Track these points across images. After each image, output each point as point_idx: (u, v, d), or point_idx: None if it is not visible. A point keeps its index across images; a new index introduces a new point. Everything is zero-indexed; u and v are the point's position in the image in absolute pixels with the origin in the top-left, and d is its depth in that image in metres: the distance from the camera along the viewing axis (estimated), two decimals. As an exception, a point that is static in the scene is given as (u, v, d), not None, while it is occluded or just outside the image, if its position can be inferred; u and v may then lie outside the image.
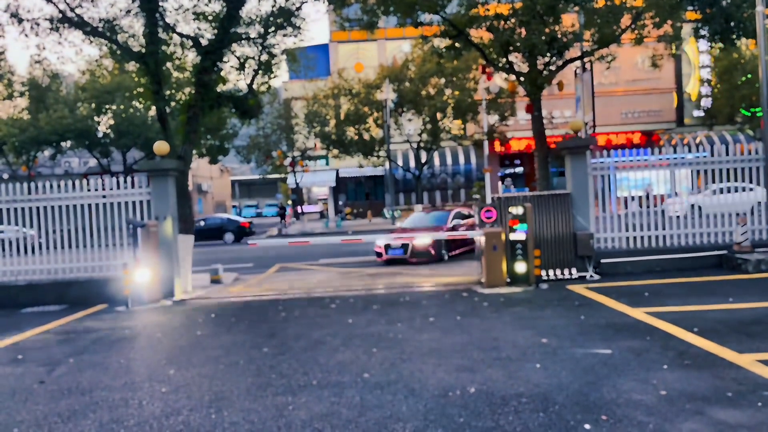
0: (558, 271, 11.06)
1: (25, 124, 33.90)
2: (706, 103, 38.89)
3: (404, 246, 15.20)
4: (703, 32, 15.53)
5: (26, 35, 13.18)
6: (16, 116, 35.67)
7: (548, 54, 16.25)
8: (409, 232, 16.01)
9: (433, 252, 15.19)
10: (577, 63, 19.17)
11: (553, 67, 16.97)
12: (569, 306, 8.68)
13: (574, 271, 11.05)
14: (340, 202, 46.10)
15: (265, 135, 41.76)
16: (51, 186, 12.01)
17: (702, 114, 39.14)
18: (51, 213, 11.86)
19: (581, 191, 11.27)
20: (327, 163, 45.99)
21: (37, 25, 13.12)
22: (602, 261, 11.33)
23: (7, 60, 21.94)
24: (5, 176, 36.88)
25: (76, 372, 6.53)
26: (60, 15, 13.20)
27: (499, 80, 26.73)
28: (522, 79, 17.15)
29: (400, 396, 5.11)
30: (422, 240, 14.86)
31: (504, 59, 17.13)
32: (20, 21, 13.00)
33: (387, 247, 15.44)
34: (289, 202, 49.58)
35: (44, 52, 13.94)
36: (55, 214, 11.80)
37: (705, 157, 11.90)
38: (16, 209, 11.75)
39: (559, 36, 15.88)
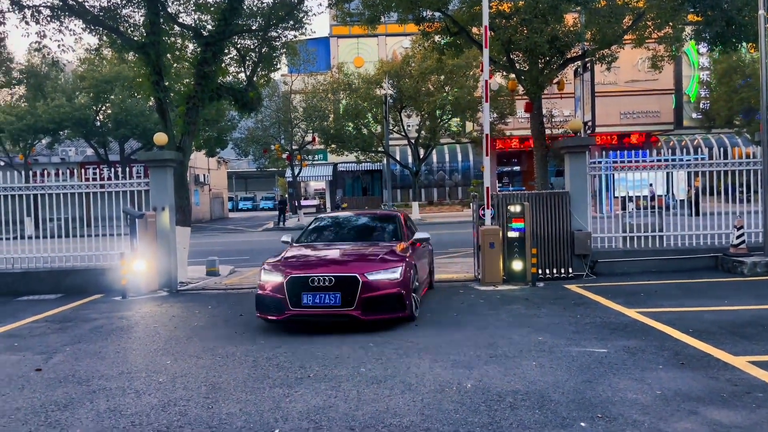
0: (555, 270, 11.10)
1: (23, 111, 33.69)
2: (704, 105, 38.96)
3: (340, 285, 7.20)
4: (703, 35, 15.55)
5: (27, 22, 13.11)
6: (14, 104, 35.48)
7: (549, 53, 16.25)
8: (333, 251, 8.24)
9: (403, 297, 7.46)
10: (578, 62, 19.20)
11: (553, 66, 16.97)
12: (566, 305, 8.71)
13: (570, 270, 11.08)
14: (337, 197, 46.09)
15: (264, 128, 41.66)
16: (48, 174, 11.97)
17: (700, 116, 39.21)
18: (48, 201, 11.83)
19: (579, 191, 11.29)
20: (325, 158, 45.93)
21: (38, 12, 13.05)
22: (599, 261, 11.37)
23: (6, 47, 21.79)
24: (1, 164, 36.71)
25: (72, 360, 6.54)
26: (61, 2, 13.13)
27: (499, 78, 26.70)
28: (522, 77, 17.15)
29: (397, 390, 5.13)
30: (383, 273, 7.39)
31: (504, 57, 17.13)
32: (21, 8, 12.92)
33: (298, 285, 7.26)
34: (286, 195, 49.55)
35: (44, 39, 13.86)
36: (52, 203, 11.77)
37: (703, 159, 11.94)
38: (13, 197, 11.70)
39: (561, 35, 15.88)
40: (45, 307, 10.01)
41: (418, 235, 9.14)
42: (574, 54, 17.65)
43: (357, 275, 7.25)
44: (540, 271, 10.87)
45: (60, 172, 11.90)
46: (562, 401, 4.77)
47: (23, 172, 32.00)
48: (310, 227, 9.60)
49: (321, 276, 7.28)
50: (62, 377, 5.90)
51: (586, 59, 18.41)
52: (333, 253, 8.20)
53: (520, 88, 18.67)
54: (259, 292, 7.70)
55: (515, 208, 10.62)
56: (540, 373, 5.49)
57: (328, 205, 47.64)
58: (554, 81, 18.08)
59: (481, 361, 5.94)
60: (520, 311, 8.39)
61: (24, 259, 11.78)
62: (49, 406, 5.05)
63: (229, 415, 4.68)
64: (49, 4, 13.20)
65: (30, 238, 12.24)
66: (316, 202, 54.44)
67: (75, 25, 13.74)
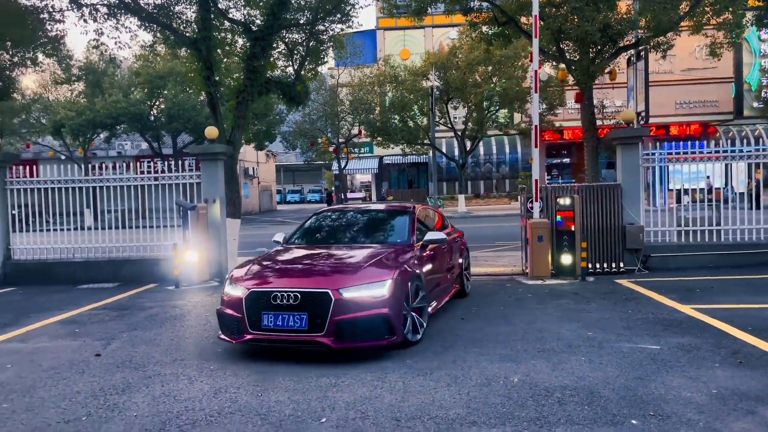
0: (605, 265, 10.85)
1: (82, 107, 35.06)
2: (766, 94, 37.26)
3: (307, 303, 5.76)
4: (765, 20, 14.84)
5: (85, 20, 13.59)
6: (74, 100, 36.92)
7: (601, 42, 15.81)
8: (315, 257, 6.82)
9: (390, 319, 5.89)
10: (631, 51, 18.63)
11: (605, 56, 16.52)
12: (616, 300, 8.51)
13: (622, 264, 10.82)
14: (383, 190, 46.21)
15: (311, 121, 42.10)
16: (106, 168, 12.41)
17: (761, 105, 37.51)
18: (106, 194, 12.27)
19: (632, 183, 10.99)
20: (371, 151, 46.09)
21: (96, 10, 13.50)
22: (652, 255, 11.05)
23: (66, 45, 22.70)
24: (63, 157, 38.25)
25: (129, 347, 6.78)
26: (117, 1, 13.56)
27: (548, 68, 26.18)
28: (573, 67, 16.76)
29: (442, 383, 5.13)
30: (365, 288, 5.88)
31: (554, 47, 16.77)
32: (79, 6, 13.39)
33: (258, 302, 5.89)
34: (333, 188, 49.99)
35: (102, 37, 14.34)
36: (110, 195, 12.20)
37: (764, 150, 11.42)
38: (74, 189, 12.18)
39: (613, 23, 15.41)
40: (103, 295, 10.42)
41: (430, 236, 7.25)
42: (627, 42, 17.12)
43: (329, 291, 5.71)
44: (590, 266, 10.65)
45: (117, 165, 12.33)
46: (612, 398, 4.67)
47: (83, 166, 33.32)
48: (306, 224, 8.11)
49: (284, 291, 5.79)
50: (120, 362, 6.13)
51: (640, 47, 17.83)
52: (315, 258, 6.73)
53: (570, 79, 18.25)
54: (219, 307, 6.32)
55: (565, 201, 10.43)
56: (589, 369, 5.38)
57: (373, 197, 47.82)
58: (606, 71, 17.59)
59: (528, 356, 5.87)
60: (568, 306, 8.24)
61: (84, 249, 12.26)
62: (108, 390, 5.26)
63: (277, 403, 4.78)
64: (106, 2, 13.65)
65: (89, 229, 12.75)
66: (362, 194, 54.77)
67: (131, 22, 14.17)
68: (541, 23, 15.29)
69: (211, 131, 11.92)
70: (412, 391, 4.95)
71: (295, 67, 16.08)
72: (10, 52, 18.30)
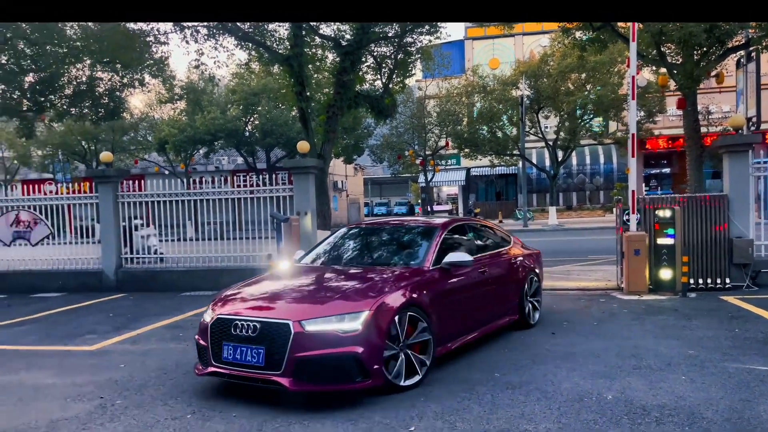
0: (709, 280, 10.22)
1: (184, 125, 37.29)
2: None
3: (265, 335, 5.07)
4: None
5: (187, 42, 14.55)
6: (176, 118, 39.37)
7: (707, 43, 14.94)
8: (307, 281, 6.18)
9: (363, 359, 4.98)
10: (741, 52, 17.53)
11: (711, 58, 15.61)
12: (721, 317, 8.00)
13: (728, 280, 10.14)
14: (470, 202, 45.83)
15: (398, 134, 42.54)
16: (205, 182, 13.13)
17: None
18: (206, 206, 12.98)
19: (740, 194, 10.29)
20: (458, 162, 45.90)
21: (197, 32, 14.41)
22: (762, 271, 10.29)
23: (169, 65, 24.46)
24: (166, 173, 40.78)
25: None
26: (216, 22, 14.41)
27: (647, 73, 25.08)
28: (675, 71, 15.95)
29: (532, 397, 5.03)
30: (332, 321, 5.05)
31: (654, 50, 16.05)
32: (182, 29, 14.34)
33: (222, 331, 5.30)
34: (419, 200, 50.13)
35: (202, 57, 15.30)
36: (209, 208, 12.88)
37: None
38: (177, 202, 12.97)
39: (721, 23, 14.51)
40: (204, 302, 10.97)
41: (451, 258, 6.18)
42: (737, 43, 16.10)
43: (289, 322, 4.97)
44: (691, 281, 10.07)
45: (215, 179, 12.99)
46: (715, 419, 4.40)
47: (184, 180, 35.38)
48: (324, 241, 7.52)
49: (244, 320, 5.15)
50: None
51: (751, 48, 16.70)
52: (305, 282, 6.06)
53: (672, 83, 17.40)
54: (197, 334, 5.72)
55: (664, 213, 9.94)
56: (690, 389, 5.10)
57: (460, 210, 47.52)
58: (712, 74, 16.66)
59: (623, 372, 5.64)
60: (667, 322, 7.84)
61: (186, 259, 13.01)
62: (211, 391, 5.55)
63: (366, 409, 4.86)
64: (206, 23, 14.54)
65: (191, 239, 13.51)
66: (448, 207, 54.56)
67: (228, 42, 15.02)
68: (640, 26, 14.72)
69: (303, 145, 12.33)
70: (501, 404, 4.89)
71: (384, 81, 16.41)
72: (120, 74, 19.87)
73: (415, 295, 5.55)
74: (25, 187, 13.90)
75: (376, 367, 5.01)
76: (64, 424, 4.82)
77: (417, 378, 5.38)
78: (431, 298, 5.74)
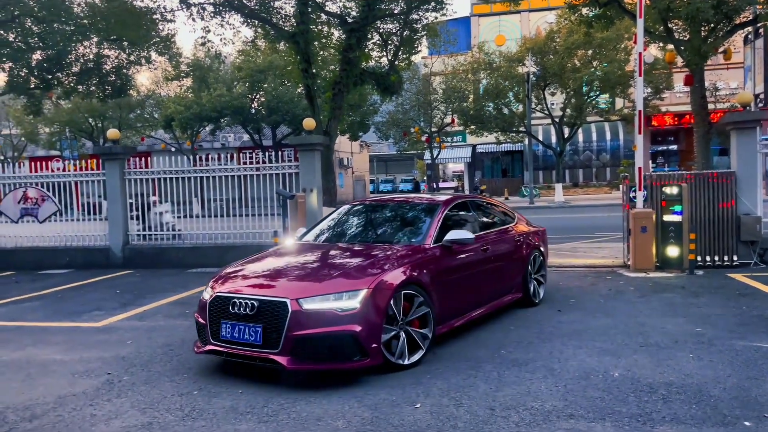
0: (716, 258, 10.18)
1: (190, 102, 37.16)
2: None
3: (263, 314, 5.03)
4: None
5: (193, 19, 14.43)
6: (183, 95, 39.22)
7: (714, 19, 14.72)
8: (308, 259, 6.10)
9: (361, 338, 4.95)
10: (749, 28, 17.25)
11: (719, 34, 15.38)
12: (729, 295, 7.98)
13: (735, 257, 10.10)
14: (476, 179, 45.69)
15: (404, 111, 42.29)
16: (211, 159, 13.09)
17: None
18: (212, 183, 12.96)
19: (748, 171, 10.20)
20: (464, 139, 45.67)
21: (203, 9, 14.28)
22: (770, 248, 10.24)
23: (175, 43, 24.28)
24: (173, 150, 40.76)
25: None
26: (223, -1, 14.27)
27: (654, 50, 24.74)
28: (682, 47, 15.74)
29: (539, 375, 5.04)
30: (330, 299, 5.02)
31: (661, 27, 15.82)
32: (188, 6, 14.20)
33: (220, 309, 5.28)
34: (425, 177, 50.02)
35: (208, 35, 15.20)
36: (215, 185, 12.87)
37: None
38: (183, 179, 12.96)
39: (729, -1, 14.30)
40: (210, 279, 11.02)
41: (452, 235, 6.08)
42: (744, 19, 15.86)
43: (286, 300, 4.95)
44: (699, 259, 10.03)
45: (221, 156, 12.95)
46: (723, 397, 4.40)
47: (191, 157, 35.39)
48: (326, 218, 7.43)
49: (242, 298, 5.14)
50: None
51: (759, 24, 16.44)
52: (305, 260, 5.99)
53: (679, 60, 17.17)
54: (197, 311, 5.71)
55: (671, 190, 9.86)
56: (697, 366, 5.10)
57: (466, 187, 47.41)
58: (720, 50, 16.42)
59: (629, 350, 5.64)
60: (674, 300, 7.82)
61: (193, 236, 13.04)
62: (215, 368, 5.58)
63: (372, 386, 4.88)
64: (212, 1, 14.38)
65: (197, 216, 13.53)
66: (454, 184, 54.43)
67: (234, 19, 14.88)
68: (647, 2, 14.47)
69: (309, 122, 12.26)
70: (507, 381, 4.90)
71: (389, 58, 16.25)
72: (127, 52, 19.77)
73: (415, 273, 5.49)
74: (32, 164, 13.93)
75: (374, 345, 4.98)
76: (71, 400, 4.87)
77: (416, 357, 5.35)
78: (432, 276, 5.68)
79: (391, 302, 5.16)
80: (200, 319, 5.50)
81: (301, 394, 4.78)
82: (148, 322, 7.63)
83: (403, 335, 5.27)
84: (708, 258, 10.19)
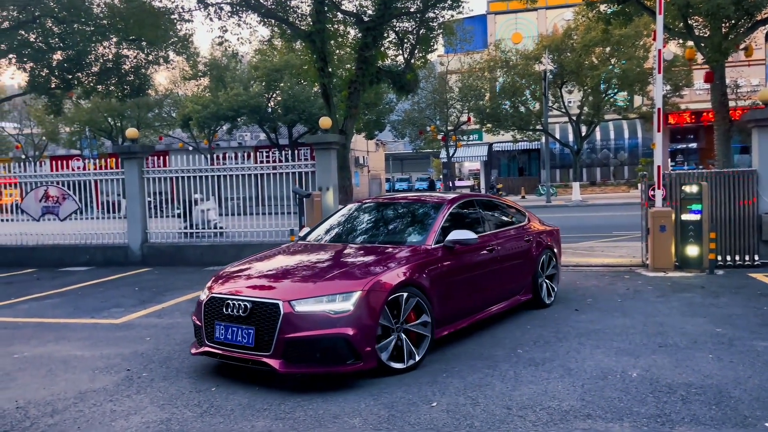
0: (737, 257, 10.04)
1: (207, 101, 37.43)
2: None
3: (255, 316, 4.98)
4: None
5: (210, 19, 14.52)
6: (200, 94, 39.52)
7: (735, 15, 14.50)
8: (306, 259, 5.97)
9: (353, 341, 4.85)
10: (771, 24, 16.98)
11: (740, 30, 15.16)
12: (750, 295, 7.87)
13: (756, 257, 9.95)
14: (492, 177, 45.49)
15: (420, 110, 42.23)
16: (228, 158, 13.18)
17: None
18: (229, 182, 13.05)
19: (770, 169, 10.04)
20: (480, 138, 45.48)
21: (221, 9, 14.36)
22: (792, 248, 10.07)
23: (193, 43, 24.45)
24: (190, 149, 41.09)
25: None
26: (240, -1, 14.36)
27: (674, 46, 24.46)
28: (702, 44, 15.53)
29: (556, 374, 5.01)
30: (323, 301, 4.93)
31: (681, 23, 15.63)
32: (206, 6, 14.29)
33: (214, 310, 5.24)
34: (441, 176, 49.90)
35: (225, 34, 15.33)
36: (232, 183, 12.96)
37: None
38: (201, 177, 13.06)
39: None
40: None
41: (454, 236, 5.93)
42: (766, 15, 15.59)
43: (279, 302, 4.89)
44: (719, 258, 9.90)
45: (238, 155, 13.02)
46: (743, 398, 4.34)
47: (208, 156, 35.65)
48: (330, 217, 7.40)
49: (236, 300, 5.09)
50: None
51: (781, 20, 16.18)
52: (304, 260, 5.88)
53: (699, 57, 16.94)
54: (194, 312, 5.72)
55: (691, 189, 9.74)
56: (717, 367, 5.04)
57: (482, 186, 47.22)
58: (741, 47, 16.17)
59: (648, 350, 5.58)
60: (694, 300, 7.73)
61: (210, 234, 13.14)
62: (232, 364, 5.62)
63: (387, 384, 4.89)
64: (229, 0, 14.47)
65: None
66: (470, 182, 54.22)
67: (251, 18, 14.95)
68: (667, -1, 14.29)
69: (325, 121, 12.30)
70: (524, 381, 4.88)
71: (405, 56, 16.22)
72: (145, 52, 19.96)
73: (413, 275, 5.36)
74: (53, 163, 14.12)
75: (368, 349, 4.88)
76: (92, 395, 4.93)
77: (413, 360, 5.21)
78: (432, 277, 5.55)
79: (387, 304, 5.05)
80: (196, 320, 5.48)
81: (317, 391, 4.80)
82: (167, 319, 7.71)
83: (401, 338, 5.16)
84: (728, 257, 10.06)
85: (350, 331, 4.81)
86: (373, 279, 5.09)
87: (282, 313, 4.82)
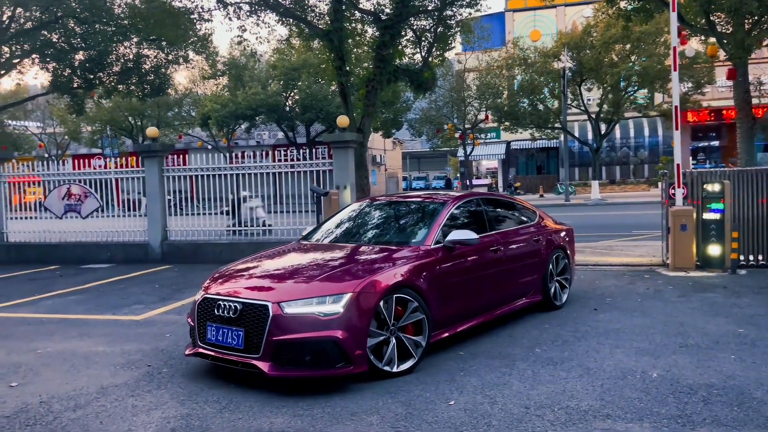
0: (760, 257, 9.88)
1: (226, 100, 37.73)
2: None
3: (245, 317, 4.93)
4: None
5: (230, 18, 14.63)
6: (219, 93, 39.83)
7: (758, 11, 14.26)
8: (303, 259, 5.89)
9: (343, 344, 4.74)
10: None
11: (764, 26, 14.90)
12: (773, 295, 7.74)
13: (780, 257, 9.79)
14: (510, 176, 45.25)
15: (437, 108, 42.12)
16: (246, 156, 13.27)
17: None
18: (247, 180, 13.14)
19: (794, 167, 9.87)
20: (498, 136, 45.26)
21: (240, 8, 14.47)
22: (817, 247, 9.88)
23: (212, 42, 24.70)
24: (209, 147, 41.43)
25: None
26: (259, -2, 14.44)
27: (696, 43, 24.11)
28: (725, 41, 15.30)
29: (575, 374, 4.98)
30: (312, 303, 4.85)
31: (703, 20, 15.41)
32: (225, 5, 14.40)
33: (207, 311, 5.22)
34: (458, 174, 49.74)
35: (244, 33, 15.45)
36: (250, 182, 13.03)
37: None
38: (220, 176, 13.17)
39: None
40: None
41: (454, 236, 5.78)
42: (792, 10, 15.31)
43: (268, 304, 4.82)
44: (742, 258, 9.75)
45: (256, 154, 13.11)
46: (766, 400, 4.28)
47: (226, 155, 35.90)
48: (332, 217, 7.29)
49: (226, 301, 5.05)
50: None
51: (807, 15, 15.88)
52: (300, 260, 5.78)
53: (722, 54, 16.70)
54: (188, 313, 5.70)
55: (713, 187, 9.61)
56: (740, 368, 4.97)
57: (500, 184, 46.99)
58: (764, 43, 15.89)
59: (668, 350, 5.53)
60: (715, 300, 7.63)
61: (229, 233, 13.24)
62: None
63: (405, 383, 4.90)
64: (248, 0, 14.57)
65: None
66: (487, 181, 53.98)
67: (269, 17, 15.07)
68: (688, -6, 14.12)
69: (343, 120, 12.32)
70: (542, 380, 4.86)
71: (423, 54, 16.19)
72: (165, 51, 20.18)
73: (409, 276, 5.23)
74: (75, 161, 14.33)
75: (358, 352, 4.76)
76: (113, 390, 5.01)
77: (407, 364, 5.07)
78: (430, 278, 5.42)
79: (380, 306, 4.93)
80: (190, 321, 5.46)
81: (335, 389, 4.82)
82: (186, 316, 7.78)
83: (394, 341, 5.03)
84: (751, 257, 9.91)
85: (340, 334, 4.70)
86: (365, 280, 4.98)
87: (271, 314, 4.76)
